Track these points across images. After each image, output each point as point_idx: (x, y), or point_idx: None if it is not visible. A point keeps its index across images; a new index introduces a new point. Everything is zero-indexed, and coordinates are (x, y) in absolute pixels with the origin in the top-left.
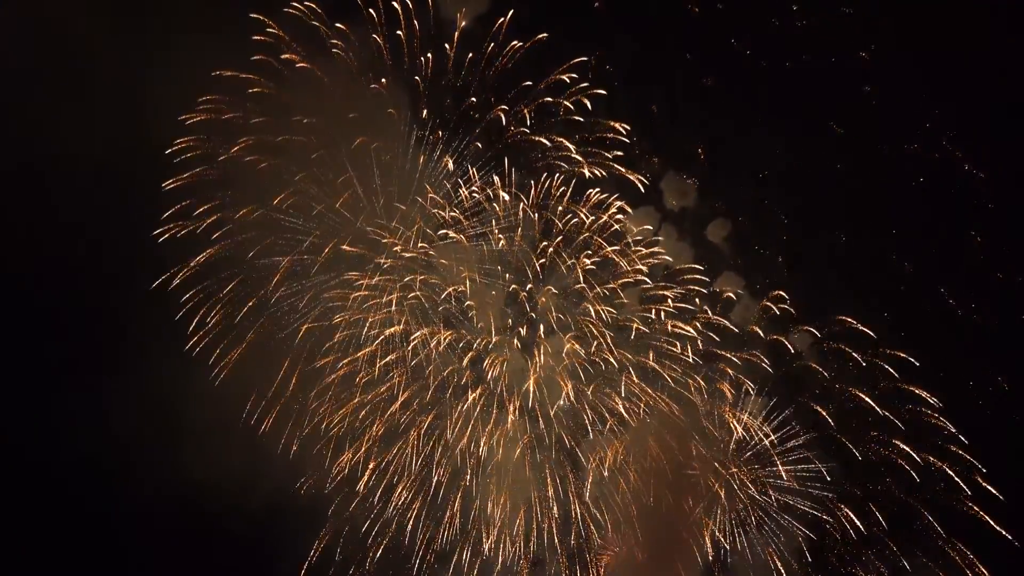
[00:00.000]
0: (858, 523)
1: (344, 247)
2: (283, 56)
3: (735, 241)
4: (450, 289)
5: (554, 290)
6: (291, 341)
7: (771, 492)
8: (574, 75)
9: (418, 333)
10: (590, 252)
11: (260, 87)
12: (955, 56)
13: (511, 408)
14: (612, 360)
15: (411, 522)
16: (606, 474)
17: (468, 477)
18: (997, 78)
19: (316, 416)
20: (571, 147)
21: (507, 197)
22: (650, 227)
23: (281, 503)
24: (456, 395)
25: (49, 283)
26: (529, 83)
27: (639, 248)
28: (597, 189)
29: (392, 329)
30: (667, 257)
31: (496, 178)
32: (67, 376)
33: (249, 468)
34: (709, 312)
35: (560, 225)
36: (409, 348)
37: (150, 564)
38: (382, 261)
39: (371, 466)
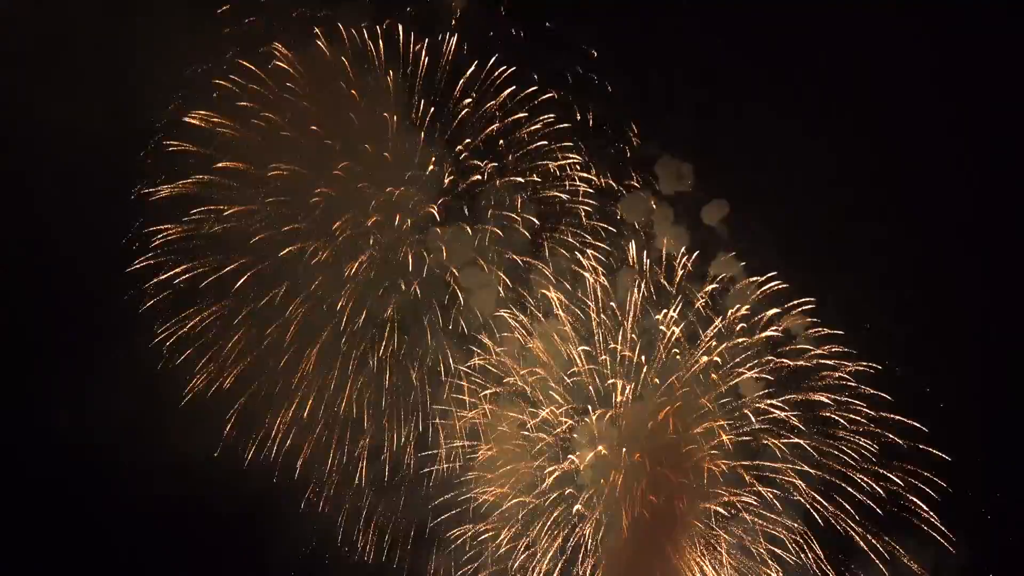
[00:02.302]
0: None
1: (330, 248)
2: (262, 49)
3: (732, 223)
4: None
5: (550, 271)
6: (276, 343)
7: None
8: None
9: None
10: (588, 238)
11: (238, 83)
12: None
13: (509, 395)
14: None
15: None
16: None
17: (469, 470)
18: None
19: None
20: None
21: (503, 189)
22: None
23: (272, 491)
24: (452, 386)
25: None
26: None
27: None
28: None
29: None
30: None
31: (492, 167)
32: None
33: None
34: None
35: (557, 210)
36: (406, 342)
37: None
38: (374, 255)
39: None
